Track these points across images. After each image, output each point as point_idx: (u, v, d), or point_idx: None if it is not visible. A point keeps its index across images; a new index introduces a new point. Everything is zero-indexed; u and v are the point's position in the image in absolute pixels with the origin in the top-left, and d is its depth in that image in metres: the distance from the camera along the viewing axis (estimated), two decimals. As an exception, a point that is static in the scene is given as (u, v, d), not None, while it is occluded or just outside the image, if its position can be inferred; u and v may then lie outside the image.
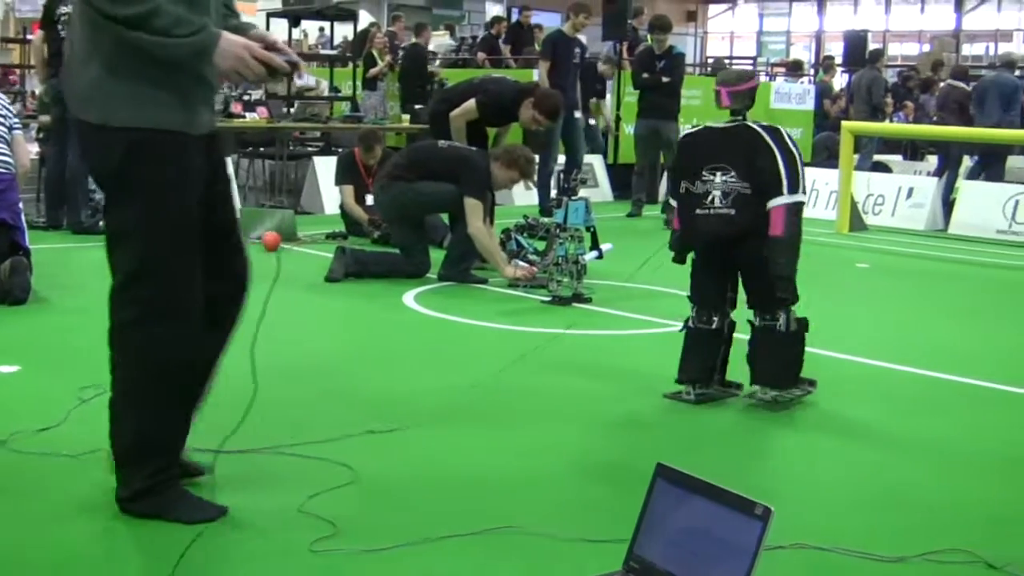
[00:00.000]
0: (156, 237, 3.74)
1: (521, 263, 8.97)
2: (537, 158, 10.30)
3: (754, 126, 5.48)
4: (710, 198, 5.46)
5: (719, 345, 5.72)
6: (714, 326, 5.67)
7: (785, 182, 5.36)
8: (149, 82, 3.64)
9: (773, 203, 5.37)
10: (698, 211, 5.51)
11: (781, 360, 5.61)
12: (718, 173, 5.44)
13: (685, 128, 15.04)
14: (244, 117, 14.25)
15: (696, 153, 5.59)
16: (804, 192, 5.46)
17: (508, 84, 10.73)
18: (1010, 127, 15.02)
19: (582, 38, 13.91)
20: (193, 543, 3.63)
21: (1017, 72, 17.29)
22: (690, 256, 5.80)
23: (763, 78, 25.19)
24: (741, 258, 5.57)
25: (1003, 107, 15.13)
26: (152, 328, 3.77)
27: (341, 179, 11.28)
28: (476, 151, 9.15)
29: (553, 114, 10.05)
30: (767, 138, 5.41)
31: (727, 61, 26.12)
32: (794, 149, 5.45)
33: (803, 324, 5.63)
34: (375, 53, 17.51)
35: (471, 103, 9.84)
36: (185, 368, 3.94)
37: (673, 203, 5.80)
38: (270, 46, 3.73)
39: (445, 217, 9.68)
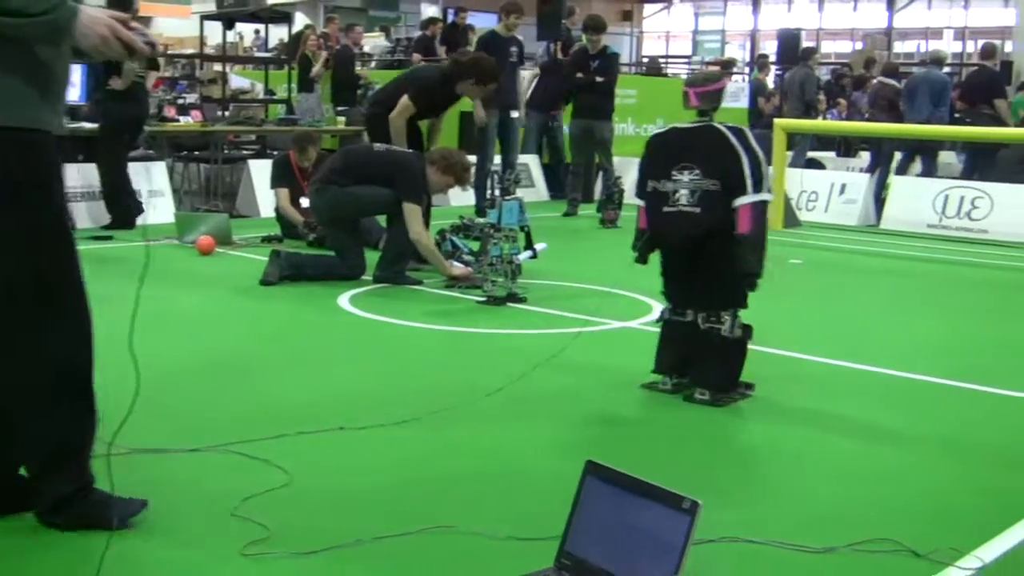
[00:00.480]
0: (39, 239, 3.66)
1: (457, 264, 8.98)
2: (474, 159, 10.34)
3: (719, 127, 5.62)
4: (677, 196, 5.60)
5: (693, 337, 5.77)
6: (688, 319, 5.78)
7: (750, 181, 5.47)
8: (13, 76, 3.49)
9: (739, 202, 5.49)
10: (665, 209, 5.66)
11: (721, 365, 5.72)
12: (686, 172, 5.59)
13: (619, 127, 15.35)
14: (178, 121, 14.20)
15: (665, 153, 5.73)
16: (769, 191, 5.57)
17: (432, 70, 10.78)
18: (940, 123, 15.20)
19: (521, 37, 13.95)
20: (115, 548, 3.60)
21: (946, 69, 17.48)
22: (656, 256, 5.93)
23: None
24: (702, 257, 5.68)
25: (933, 103, 15.31)
26: (48, 329, 3.73)
27: (276, 182, 11.23)
28: (412, 154, 9.14)
29: (494, 77, 10.00)
30: (732, 139, 5.55)
31: (662, 60, 26.22)
32: (758, 150, 5.56)
33: (747, 331, 5.75)
34: (309, 55, 17.46)
35: (405, 100, 9.81)
36: (87, 365, 3.93)
37: (640, 202, 5.87)
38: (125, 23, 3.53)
39: (382, 219, 9.67)
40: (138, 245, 10.61)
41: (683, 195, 5.59)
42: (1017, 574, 3.78)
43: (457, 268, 8.73)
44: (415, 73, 10.72)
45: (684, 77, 25.77)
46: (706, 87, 5.74)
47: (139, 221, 11.69)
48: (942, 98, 15.48)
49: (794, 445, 5.12)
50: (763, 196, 5.52)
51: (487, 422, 5.26)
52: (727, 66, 24.26)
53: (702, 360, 5.72)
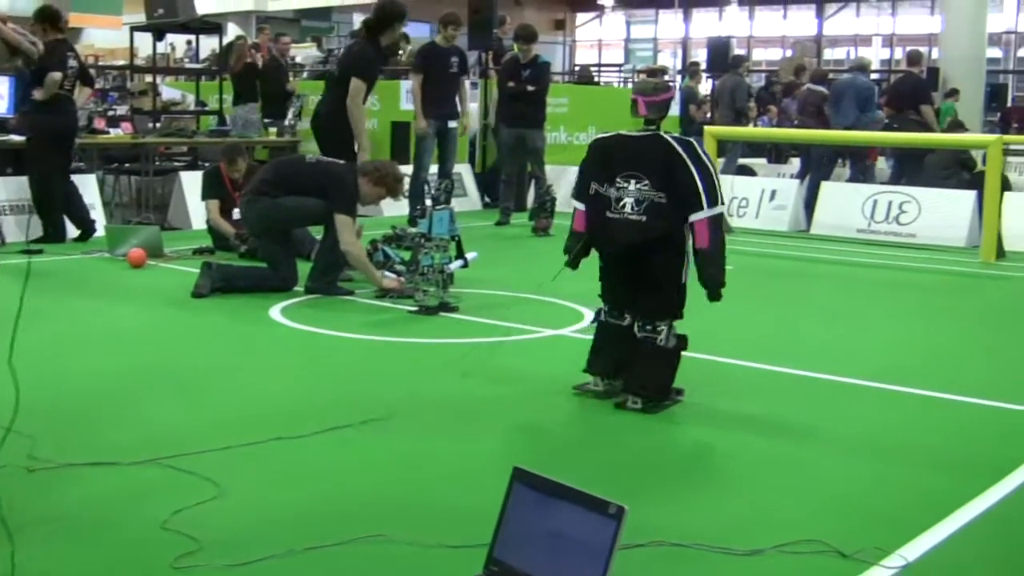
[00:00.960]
0: None
1: (389, 274, 8.98)
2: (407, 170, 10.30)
3: (668, 138, 5.61)
4: (622, 204, 5.62)
5: (628, 341, 5.77)
6: (625, 323, 5.82)
7: (704, 196, 5.47)
8: None
9: (695, 217, 5.51)
10: (609, 214, 5.68)
11: (655, 374, 5.71)
12: (632, 181, 5.60)
13: (551, 136, 15.39)
14: (108, 133, 14.08)
15: (610, 158, 5.75)
16: (723, 203, 5.58)
17: (356, 46, 10.89)
18: (865, 128, 15.41)
19: (466, 48, 14.02)
20: (41, 561, 3.60)
21: (874, 76, 17.70)
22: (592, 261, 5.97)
23: (629, 85, 25.50)
24: (642, 266, 5.69)
25: (859, 108, 15.51)
26: None
27: (207, 194, 11.18)
28: (344, 165, 9.12)
29: (404, 11, 10.00)
30: (681, 152, 5.53)
31: (594, 69, 26.35)
32: (708, 162, 5.55)
33: (682, 341, 5.78)
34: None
35: (355, 82, 9.78)
36: None
37: (579, 205, 5.92)
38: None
39: (314, 230, 9.66)
40: (72, 258, 10.53)
41: (629, 203, 5.60)
42: (940, 572, 3.84)
43: (388, 279, 8.73)
44: (346, 60, 10.68)
45: (616, 86, 25.97)
46: (656, 96, 5.75)
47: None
48: (868, 103, 15.69)
49: (722, 449, 5.18)
50: (717, 210, 5.52)
51: (419, 431, 5.28)
52: (657, 74, 24.42)
53: (636, 368, 5.72)
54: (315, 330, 7.51)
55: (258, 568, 3.63)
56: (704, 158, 5.56)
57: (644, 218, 5.57)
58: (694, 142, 5.64)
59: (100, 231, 11.61)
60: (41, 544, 3.75)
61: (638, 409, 5.64)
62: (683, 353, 5.81)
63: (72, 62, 11.48)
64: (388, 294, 8.63)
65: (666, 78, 24.43)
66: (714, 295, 5.62)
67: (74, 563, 3.66)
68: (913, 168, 15.54)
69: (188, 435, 5.01)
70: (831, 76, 18.29)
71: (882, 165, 18.07)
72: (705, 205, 5.48)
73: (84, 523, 4.02)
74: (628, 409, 5.66)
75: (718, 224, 5.54)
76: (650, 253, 5.65)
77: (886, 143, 15.87)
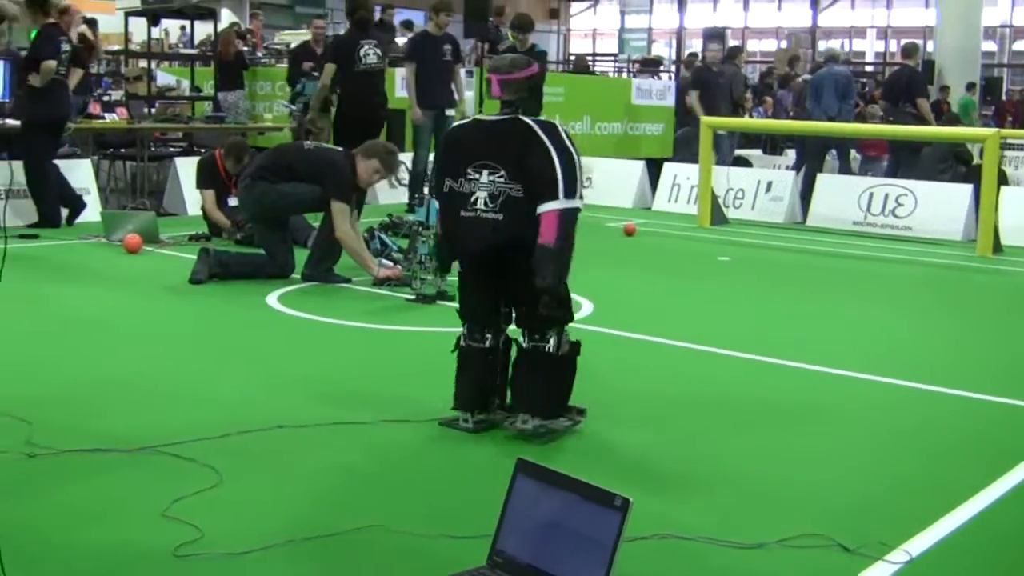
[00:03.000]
0: None
1: (386, 262, 8.96)
2: (410, 155, 10.30)
3: (527, 121, 4.90)
4: (474, 199, 4.94)
5: (495, 365, 5.16)
6: (487, 344, 5.12)
7: (561, 185, 4.79)
8: None
9: (545, 207, 4.80)
10: (463, 213, 4.98)
11: (547, 386, 5.05)
12: (485, 171, 4.92)
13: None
14: (103, 118, 14.06)
15: (461, 148, 5.06)
16: (581, 198, 4.90)
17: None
18: (848, 117, 15.47)
19: (462, 37, 14.02)
20: (47, 548, 3.58)
21: (869, 68, 17.72)
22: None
23: (624, 75, 25.48)
24: (510, 270, 5.01)
25: (839, 98, 15.55)
26: None
27: (202, 183, 11.14)
28: (341, 153, 9.09)
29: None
30: (541, 135, 4.84)
31: (589, 58, 26.27)
32: (572, 148, 4.87)
33: (575, 348, 5.12)
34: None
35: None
36: None
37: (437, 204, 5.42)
38: None
39: (311, 217, 9.64)
40: (64, 243, 10.50)
41: (481, 198, 4.92)
42: (944, 567, 3.83)
43: (383, 268, 8.70)
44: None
45: (611, 76, 25.92)
46: (511, 74, 5.01)
47: (79, 218, 11.66)
48: (847, 92, 15.75)
49: (721, 442, 5.16)
50: (574, 203, 4.84)
51: (420, 421, 5.25)
52: (653, 64, 24.40)
53: (523, 382, 5.09)
54: (312, 317, 7.49)
55: (259, 557, 3.62)
56: (567, 143, 4.87)
57: (500, 216, 4.89)
58: (558, 125, 4.95)
59: (95, 215, 11.57)
60: (41, 531, 3.73)
61: (528, 431, 4.96)
62: (674, 343, 5.77)
63: (65, 46, 11.43)
64: (385, 282, 8.61)
65: (661, 69, 24.43)
66: (547, 304, 4.87)
67: (74, 551, 3.64)
68: (909, 161, 15.54)
69: (187, 423, 4.99)
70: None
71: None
72: (561, 194, 4.78)
73: (84, 510, 4.01)
74: (519, 430, 4.98)
75: (571, 221, 4.85)
76: (515, 256, 4.93)
77: (882, 135, 15.88)
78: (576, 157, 4.86)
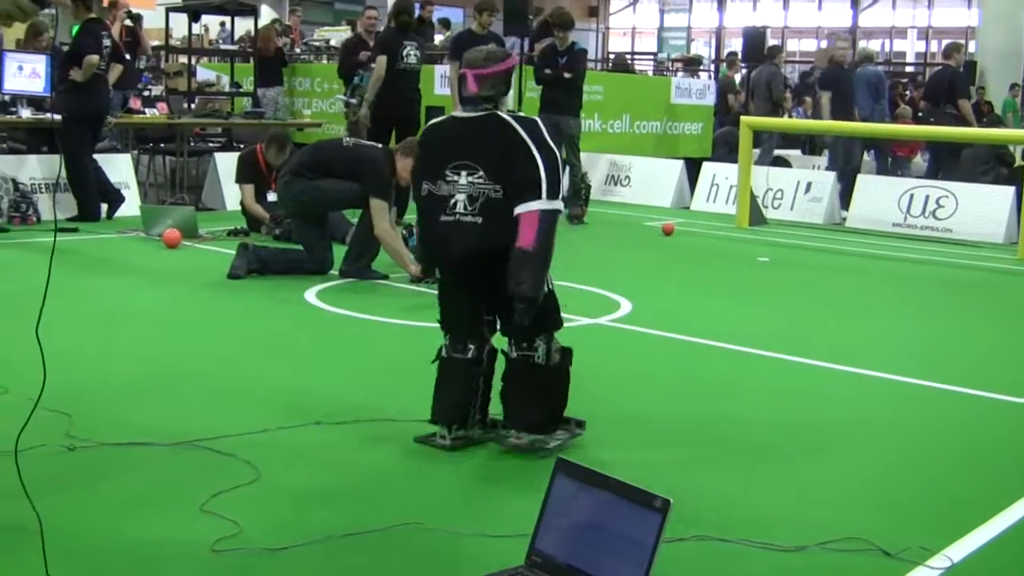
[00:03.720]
0: None
1: None
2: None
3: (507, 117, 4.65)
4: (453, 202, 4.64)
5: (477, 378, 4.86)
6: (470, 355, 4.82)
7: (545, 186, 4.53)
8: None
9: (525, 208, 4.52)
10: (442, 218, 4.68)
11: (538, 399, 4.77)
12: (463, 172, 4.63)
13: (586, 124, 15.33)
14: (144, 113, 14.12)
15: (439, 148, 4.77)
16: (561, 200, 4.65)
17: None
18: (881, 117, 15.37)
19: (511, 37, 14.03)
20: (85, 541, 3.59)
21: (909, 68, 17.62)
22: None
23: (648, 72, 25.39)
24: (493, 276, 4.66)
25: (873, 98, 15.45)
26: None
27: (241, 177, 11.18)
28: (380, 150, 9.11)
29: None
30: (522, 133, 4.60)
31: (628, 57, 26.21)
32: (554, 147, 4.64)
33: (567, 356, 4.85)
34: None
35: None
36: None
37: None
38: None
39: (350, 213, 9.66)
40: (103, 237, 10.55)
41: (461, 201, 4.63)
42: (985, 573, 3.80)
43: (412, 266, 8.65)
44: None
45: (651, 75, 25.85)
46: (487, 68, 4.73)
47: (118, 212, 11.71)
48: (880, 93, 15.68)
49: (762, 443, 5.13)
50: (555, 205, 4.57)
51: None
52: (694, 63, 24.32)
53: (514, 396, 4.80)
54: (350, 314, 7.50)
55: (296, 553, 3.62)
56: (549, 142, 4.62)
57: (480, 219, 4.60)
58: (538, 122, 4.68)
59: (134, 209, 11.62)
60: (79, 524, 3.74)
61: (526, 446, 4.70)
62: (714, 344, 5.72)
63: (106, 41, 11.49)
64: (423, 280, 8.60)
65: (700, 68, 24.34)
66: (524, 312, 4.57)
67: (113, 544, 3.64)
68: (949, 163, 15.44)
69: (225, 418, 5.00)
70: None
71: (918, 159, 17.99)
72: (544, 195, 4.52)
73: (122, 504, 4.02)
74: (512, 447, 4.72)
75: (551, 223, 4.57)
76: (497, 262, 4.59)
77: (924, 137, 15.78)
78: (558, 156, 4.63)
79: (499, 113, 4.68)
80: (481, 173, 4.59)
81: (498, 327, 4.87)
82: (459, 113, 4.79)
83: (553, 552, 3.30)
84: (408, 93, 13.09)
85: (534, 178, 4.52)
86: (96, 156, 11.93)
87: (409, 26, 13.33)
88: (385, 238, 8.61)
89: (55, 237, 3.63)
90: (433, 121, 4.89)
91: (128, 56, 14.06)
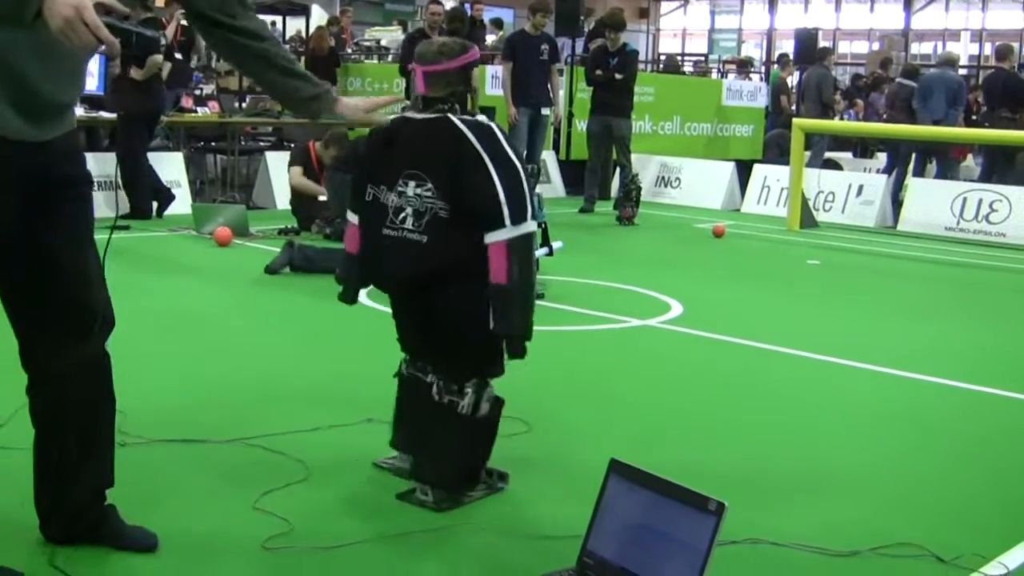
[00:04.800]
0: None
1: None
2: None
3: (459, 124, 4.01)
4: (402, 216, 4.05)
5: (429, 407, 4.26)
6: (428, 378, 4.25)
7: (506, 209, 3.92)
8: None
9: (491, 238, 3.94)
10: (385, 230, 4.11)
11: (456, 454, 4.18)
12: (413, 183, 4.02)
13: (636, 125, 15.30)
14: (195, 111, 14.19)
15: (392, 151, 4.14)
16: (532, 218, 4.02)
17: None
18: (955, 123, 15.20)
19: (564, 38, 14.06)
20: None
21: (962, 71, 17.45)
22: None
23: (715, 75, 25.32)
24: (431, 305, 4.14)
25: (948, 103, 15.29)
26: None
27: (293, 160, 11.30)
28: None
29: None
30: (476, 145, 3.96)
31: (679, 58, 26.16)
32: (514, 158, 4.00)
33: (496, 408, 4.24)
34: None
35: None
36: None
37: (353, 218, 4.34)
38: (108, 9, 2.89)
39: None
40: (155, 235, 10.62)
41: (409, 215, 4.03)
42: (1041, 581, 3.76)
43: None
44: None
45: (698, 77, 25.74)
46: (439, 64, 4.09)
47: (169, 211, 11.78)
48: (958, 98, 15.46)
49: (814, 449, 5.09)
50: (524, 228, 3.96)
51: (510, 417, 5.19)
52: (744, 65, 24.22)
53: (429, 447, 4.21)
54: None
55: (347, 552, 3.63)
56: (508, 151, 4.00)
57: (425, 238, 4.00)
58: (495, 129, 4.05)
59: (185, 208, 11.69)
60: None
61: (429, 504, 4.09)
62: (765, 347, 5.62)
63: (163, 41, 11.57)
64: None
65: (751, 70, 24.23)
66: (515, 350, 4.08)
67: (163, 541, 3.64)
68: (1004, 167, 15.30)
69: (277, 415, 5.02)
70: (920, 71, 18.04)
71: (970, 163, 17.83)
72: (508, 220, 3.91)
73: (173, 501, 4.03)
74: (418, 502, 4.12)
75: (524, 249, 3.98)
76: (440, 285, 4.08)
77: (977, 140, 15.63)
78: (520, 169, 4.00)
79: (451, 118, 4.03)
80: (430, 186, 3.99)
81: (431, 363, 4.28)
82: (411, 114, 4.17)
83: (606, 554, 3.29)
84: None
85: (492, 202, 3.91)
86: (148, 155, 12.00)
87: (458, 32, 13.36)
88: None
89: (110, 235, 3.64)
90: (391, 117, 4.20)
91: (180, 55, 14.13)
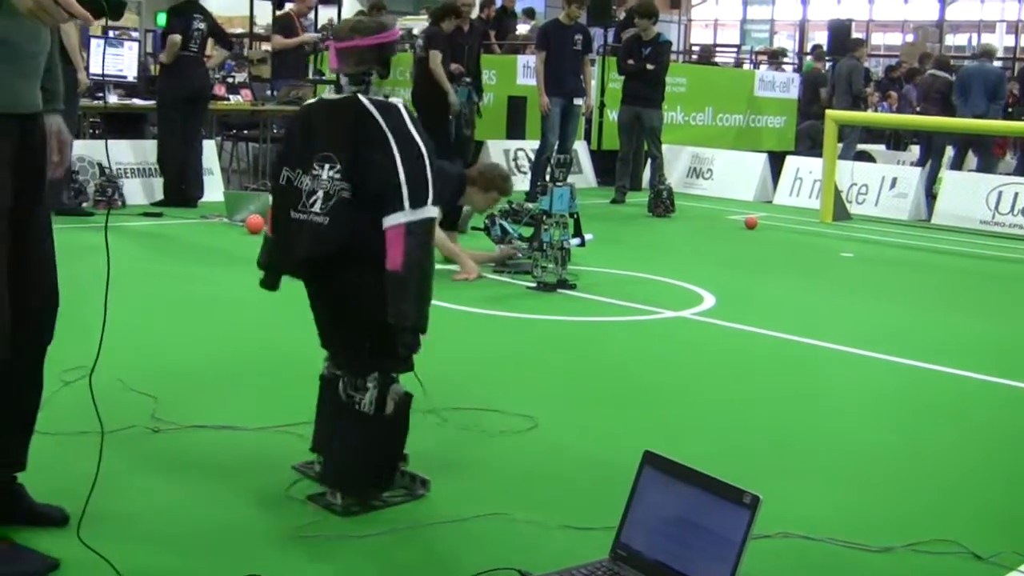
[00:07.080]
0: None
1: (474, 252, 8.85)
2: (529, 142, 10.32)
3: (366, 103, 3.86)
4: (313, 199, 3.88)
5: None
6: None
7: (405, 190, 3.75)
8: None
9: (388, 222, 3.76)
10: (294, 214, 3.95)
11: (361, 455, 3.97)
12: (326, 166, 3.86)
13: (668, 116, 15.26)
14: (227, 100, 14.20)
15: (308, 133, 3.99)
16: (433, 203, 3.84)
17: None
18: (995, 117, 15.07)
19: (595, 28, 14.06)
20: (167, 522, 3.61)
21: (997, 63, 17.29)
22: None
23: (747, 66, 25.21)
24: (336, 292, 4.06)
25: (988, 97, 15.14)
26: None
27: None
28: (453, 167, 9.02)
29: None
30: (381, 122, 3.83)
31: (713, 48, 26.07)
32: (418, 139, 3.85)
33: (403, 405, 4.02)
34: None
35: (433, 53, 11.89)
36: None
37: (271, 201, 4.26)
38: None
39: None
40: (188, 222, 10.64)
41: (319, 198, 3.86)
42: (1079, 579, 3.72)
43: (461, 273, 8.50)
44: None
45: (732, 68, 25.63)
46: (350, 41, 3.93)
47: (202, 199, 11.82)
48: (998, 92, 15.31)
49: (847, 442, 5.06)
50: (424, 213, 3.78)
51: (544, 410, 5.19)
52: (776, 56, 24.10)
53: (334, 447, 4.05)
54: (436, 303, 7.46)
55: (378, 541, 3.62)
56: (412, 131, 3.85)
57: (327, 220, 3.85)
58: (403, 110, 3.90)
59: (218, 195, 11.70)
60: (162, 506, 3.76)
61: (337, 508, 3.87)
62: (796, 339, 5.56)
63: (199, 24, 11.50)
64: (505, 269, 8.61)
65: (784, 60, 24.10)
66: (407, 344, 3.89)
67: (195, 527, 3.67)
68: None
69: (310, 403, 4.99)
70: (953, 63, 17.92)
71: (1008, 159, 17.71)
72: (406, 202, 3.74)
73: (205, 487, 4.03)
74: (326, 506, 3.90)
75: (422, 236, 3.79)
76: (339, 272, 3.96)
77: (1011, 133, 15.51)
78: (424, 151, 3.84)
79: (360, 97, 3.87)
80: (338, 167, 3.83)
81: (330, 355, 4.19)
82: (327, 95, 4.08)
83: (639, 546, 3.28)
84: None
85: (392, 183, 3.75)
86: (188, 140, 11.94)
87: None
88: (437, 242, 8.53)
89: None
90: (308, 102, 4.12)
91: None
